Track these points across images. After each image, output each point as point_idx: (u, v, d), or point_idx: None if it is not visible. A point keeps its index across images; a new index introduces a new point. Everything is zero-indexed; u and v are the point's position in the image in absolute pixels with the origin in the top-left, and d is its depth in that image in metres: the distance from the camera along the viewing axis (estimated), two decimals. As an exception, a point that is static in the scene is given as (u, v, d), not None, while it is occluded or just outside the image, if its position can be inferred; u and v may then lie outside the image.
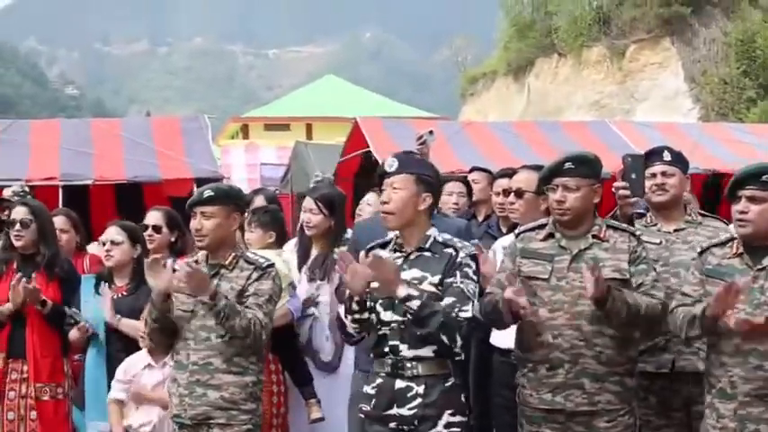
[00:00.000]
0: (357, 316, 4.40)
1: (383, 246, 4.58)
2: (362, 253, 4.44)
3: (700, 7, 27.00)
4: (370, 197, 6.43)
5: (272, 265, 4.80)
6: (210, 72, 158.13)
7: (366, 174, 12.00)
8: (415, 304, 4.23)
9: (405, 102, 44.07)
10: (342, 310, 4.48)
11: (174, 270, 4.68)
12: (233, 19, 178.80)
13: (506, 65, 33.46)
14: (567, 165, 4.46)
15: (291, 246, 5.77)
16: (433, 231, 4.50)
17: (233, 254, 4.79)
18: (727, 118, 23.24)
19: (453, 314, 4.26)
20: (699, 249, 4.48)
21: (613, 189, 4.74)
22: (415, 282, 4.33)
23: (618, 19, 28.53)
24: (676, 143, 5.18)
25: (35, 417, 5.60)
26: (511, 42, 33.03)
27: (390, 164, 4.46)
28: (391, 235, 4.60)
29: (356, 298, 4.36)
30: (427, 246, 4.46)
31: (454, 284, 4.36)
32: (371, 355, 4.54)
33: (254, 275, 4.73)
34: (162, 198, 10.67)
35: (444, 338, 4.27)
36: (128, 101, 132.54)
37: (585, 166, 4.50)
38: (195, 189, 11.58)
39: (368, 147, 12.09)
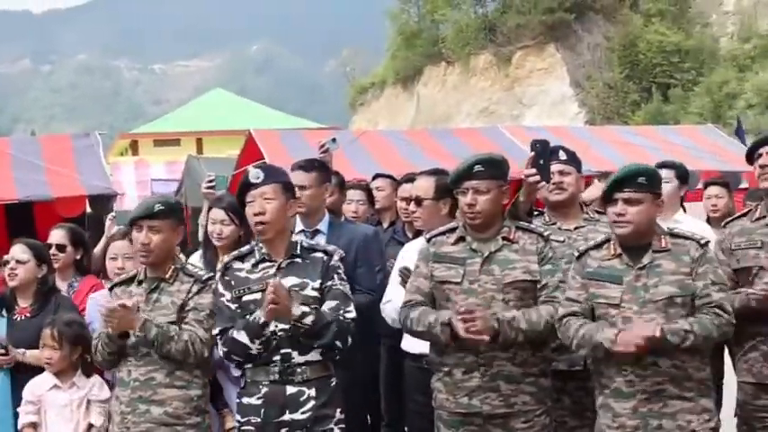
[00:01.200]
0: (264, 338, 4.43)
1: (241, 258, 4.64)
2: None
3: (582, 13, 27.59)
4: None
5: (211, 278, 4.76)
6: (96, 89, 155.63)
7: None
8: (309, 320, 4.35)
9: (295, 113, 43.98)
10: (243, 336, 4.46)
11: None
12: (117, 34, 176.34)
13: (395, 74, 33.75)
14: (477, 168, 4.52)
15: (196, 258, 5.76)
16: (297, 238, 4.63)
17: (173, 266, 4.75)
18: (613, 121, 23.80)
19: (341, 317, 4.40)
20: (575, 254, 4.54)
21: (523, 176, 4.79)
22: (296, 288, 4.43)
23: (503, 26, 29.01)
24: (568, 145, 5.29)
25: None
26: (399, 51, 33.33)
27: (256, 175, 4.54)
28: (246, 247, 4.67)
29: (263, 321, 4.39)
30: (297, 252, 4.55)
31: (334, 287, 4.51)
32: (248, 366, 4.55)
33: (194, 289, 4.70)
34: (54, 218, 10.47)
35: (338, 344, 4.42)
36: (11, 120, 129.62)
37: (494, 167, 4.57)
38: (88, 207, 11.50)
39: (263, 158, 12.06)
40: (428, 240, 4.73)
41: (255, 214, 4.49)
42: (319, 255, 4.57)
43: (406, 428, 5.91)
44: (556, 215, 5.13)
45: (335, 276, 4.53)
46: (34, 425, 5.11)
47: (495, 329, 4.32)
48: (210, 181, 6.25)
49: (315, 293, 4.46)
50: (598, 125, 22.03)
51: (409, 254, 5.17)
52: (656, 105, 24.06)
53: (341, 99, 50.27)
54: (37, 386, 5.15)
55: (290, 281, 4.42)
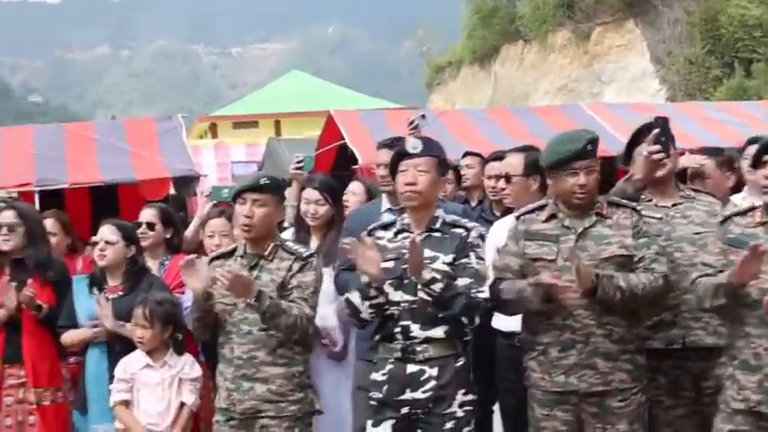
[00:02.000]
0: (374, 301, 4.44)
1: (384, 227, 4.63)
2: (365, 236, 4.48)
3: (662, -13, 27.11)
4: (355, 186, 6.45)
5: (312, 255, 4.80)
6: (174, 73, 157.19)
7: (342, 166, 12.02)
8: (438, 287, 4.32)
9: (371, 94, 43.99)
10: (355, 296, 4.51)
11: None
12: (194, 19, 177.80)
13: (471, 53, 33.50)
14: (589, 147, 4.47)
15: (288, 237, 5.78)
16: (440, 212, 4.57)
17: (272, 244, 4.77)
18: (695, 97, 23.35)
19: (472, 295, 4.34)
20: (720, 218, 4.44)
21: (646, 152, 4.73)
22: (427, 261, 4.38)
23: (581, 2, 28.59)
24: (651, 122, 5.19)
25: (34, 422, 5.55)
26: (475, 30, 33.06)
27: (414, 146, 4.52)
28: (388, 217, 4.66)
29: (374, 283, 4.40)
30: (437, 226, 4.52)
31: (469, 265, 4.44)
32: (376, 339, 4.57)
33: (296, 266, 4.72)
34: (138, 200, 10.61)
35: (465, 319, 4.39)
36: (92, 105, 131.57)
37: (596, 146, 4.54)
38: (172, 189, 11.64)
39: (343, 139, 12.09)
40: (518, 218, 4.69)
41: (407, 183, 4.49)
42: (459, 230, 4.53)
43: (494, 408, 5.89)
44: (653, 192, 5.00)
45: (472, 254, 4.48)
46: (126, 402, 5.18)
47: (594, 284, 4.27)
48: (299, 162, 6.26)
49: (445, 267, 4.41)
50: (679, 102, 21.65)
51: (497, 232, 5.14)
52: (739, 81, 23.55)
53: (417, 79, 50.10)
54: (129, 364, 5.22)
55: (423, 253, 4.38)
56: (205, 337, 4.88)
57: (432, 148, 4.57)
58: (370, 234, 4.63)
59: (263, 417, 4.64)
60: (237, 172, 18.57)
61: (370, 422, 4.56)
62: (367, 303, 4.46)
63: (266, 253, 4.75)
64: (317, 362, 5.38)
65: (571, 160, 4.47)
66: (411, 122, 6.49)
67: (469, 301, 4.35)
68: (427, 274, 4.31)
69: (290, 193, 6.36)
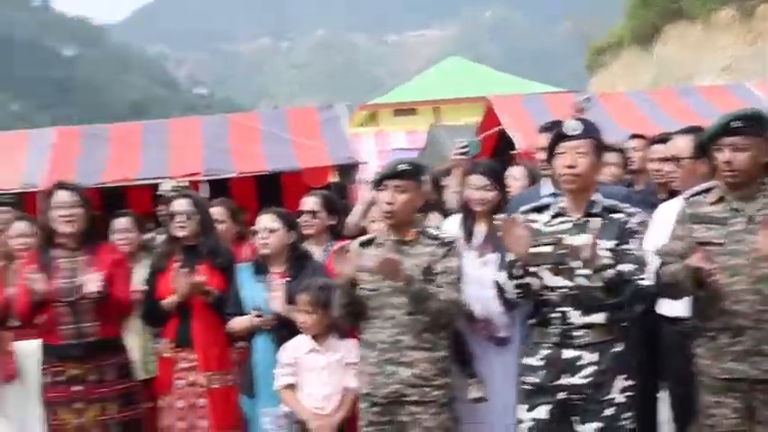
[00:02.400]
0: (520, 281, 4.40)
1: (538, 210, 4.58)
2: (519, 216, 4.45)
3: (834, -42, 26.03)
4: (516, 171, 6.41)
5: (455, 240, 4.81)
6: (333, 63, 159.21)
7: (502, 152, 11.96)
8: (610, 273, 4.24)
9: (530, 78, 43.57)
10: (501, 276, 4.49)
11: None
12: (351, 9, 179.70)
13: (632, 34, 32.84)
14: (735, 123, 4.32)
15: (454, 222, 5.79)
16: (597, 197, 4.48)
17: (414, 230, 4.80)
18: None
19: (637, 281, 4.25)
20: None
21: None
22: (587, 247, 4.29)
23: (746, -21, 27.70)
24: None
25: (204, 404, 5.71)
26: (636, 10, 32.39)
27: (574, 128, 4.45)
28: (546, 200, 4.61)
29: (520, 262, 4.36)
30: (594, 211, 4.44)
31: (632, 252, 4.34)
32: (531, 324, 4.54)
33: (440, 252, 4.74)
34: (301, 188, 10.82)
35: (633, 307, 4.33)
36: (255, 97, 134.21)
37: (754, 123, 4.35)
38: (334, 177, 11.80)
39: (501, 125, 12.04)
40: (686, 200, 4.58)
41: (566, 166, 4.44)
42: (618, 215, 4.45)
43: (658, 395, 5.78)
44: None
45: (633, 240, 4.40)
46: (292, 386, 5.29)
47: None
48: (463, 147, 6.24)
49: (606, 254, 4.31)
50: None
51: (662, 216, 5.03)
52: None
53: (576, 62, 49.39)
54: (294, 349, 5.32)
55: (581, 238, 4.33)
56: (354, 324, 4.93)
57: (590, 130, 4.48)
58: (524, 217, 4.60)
59: (408, 402, 4.66)
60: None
61: (524, 407, 4.52)
62: (512, 283, 4.43)
63: (408, 238, 4.77)
64: (483, 348, 5.38)
65: (717, 136, 4.35)
66: (577, 104, 6.40)
67: (638, 289, 4.26)
68: (600, 261, 4.23)
69: (453, 179, 6.37)
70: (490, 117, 13.01)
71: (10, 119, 68.71)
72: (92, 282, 5.39)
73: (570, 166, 4.42)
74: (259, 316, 5.47)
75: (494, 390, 5.25)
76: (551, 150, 4.54)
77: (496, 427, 5.29)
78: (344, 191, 11.64)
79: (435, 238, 4.80)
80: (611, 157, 6.67)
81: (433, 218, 6.03)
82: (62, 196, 5.58)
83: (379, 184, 4.80)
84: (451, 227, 5.80)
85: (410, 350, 4.66)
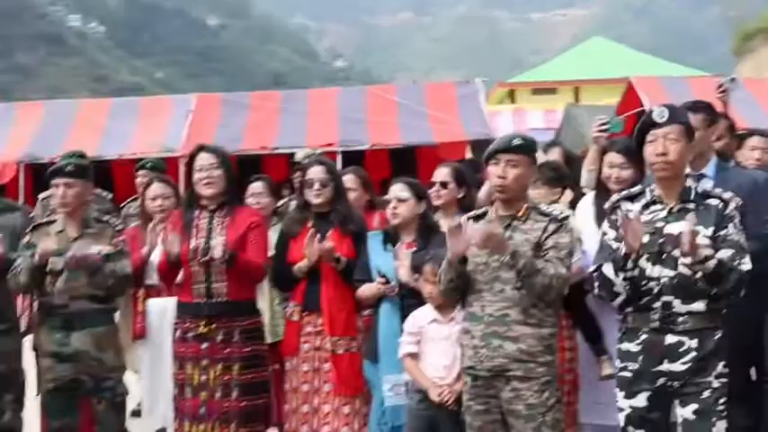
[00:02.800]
0: (629, 274, 4.35)
1: (630, 198, 4.54)
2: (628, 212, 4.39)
3: None
4: None
5: (567, 217, 4.76)
6: (474, 39, 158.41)
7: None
8: (712, 264, 4.15)
9: (673, 60, 42.63)
10: (609, 269, 4.41)
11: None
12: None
13: (785, 18, 31.87)
14: None
15: (587, 201, 5.74)
16: (690, 182, 4.42)
17: (525, 205, 4.78)
18: None
19: (739, 268, 4.18)
20: None
21: None
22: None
23: None
24: None
25: (329, 369, 5.78)
26: (789, -5, 31.40)
27: (661, 114, 4.38)
28: (638, 188, 4.54)
29: (633, 256, 4.30)
30: (691, 198, 4.37)
31: (729, 236, 4.27)
32: (628, 311, 4.47)
33: (551, 228, 4.69)
34: (435, 162, 10.87)
35: (734, 295, 4.24)
36: (394, 70, 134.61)
37: None
38: (469, 152, 11.80)
39: (642, 107, 11.83)
40: None
41: (657, 154, 4.38)
42: (714, 201, 4.37)
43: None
44: None
45: (731, 225, 4.32)
46: (414, 355, 5.32)
47: None
48: (603, 124, 6.15)
49: (706, 242, 4.23)
50: None
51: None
52: None
53: (723, 46, 48.20)
54: (418, 318, 5.35)
55: (679, 226, 4.25)
56: (457, 298, 4.92)
57: (679, 116, 4.41)
58: (615, 206, 4.54)
59: (511, 378, 4.63)
60: (535, 138, 18.57)
61: (621, 394, 4.46)
62: (621, 276, 4.36)
63: (519, 214, 4.73)
64: (607, 323, 5.34)
65: None
66: (720, 86, 6.24)
67: (741, 276, 4.19)
68: (703, 252, 4.14)
69: (589, 156, 6.29)
70: (630, 97, 12.84)
71: (154, 86, 70.40)
72: (218, 246, 5.53)
73: (661, 154, 4.35)
74: (385, 283, 5.51)
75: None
76: (641, 138, 4.47)
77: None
78: (478, 167, 11.62)
79: (546, 214, 4.76)
80: (756, 141, 6.51)
81: (567, 195, 5.97)
82: (203, 159, 5.73)
83: (491, 158, 4.77)
84: (585, 205, 5.75)
85: (517, 325, 4.64)
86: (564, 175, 6.06)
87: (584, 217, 5.71)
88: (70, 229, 5.82)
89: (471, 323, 4.78)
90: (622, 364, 4.48)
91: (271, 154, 14.15)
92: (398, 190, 5.66)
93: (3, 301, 6.07)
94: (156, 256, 6.14)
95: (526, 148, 4.76)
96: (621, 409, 4.47)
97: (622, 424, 4.49)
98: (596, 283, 4.53)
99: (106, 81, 77.67)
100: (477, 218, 4.87)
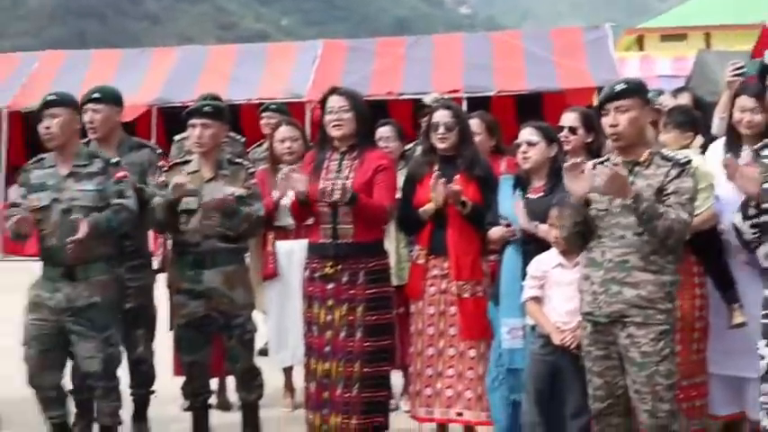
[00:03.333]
0: (756, 220, 4.27)
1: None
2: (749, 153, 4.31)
3: None
4: None
5: (689, 162, 4.68)
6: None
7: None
8: None
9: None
10: (737, 218, 4.36)
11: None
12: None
13: None
14: None
15: (718, 146, 5.63)
16: None
17: (647, 151, 4.71)
18: None
19: None
20: None
21: None
22: None
23: None
24: None
25: (454, 312, 5.81)
26: None
27: None
28: None
29: (753, 201, 4.23)
30: None
31: None
32: None
33: (673, 172, 4.61)
34: (562, 109, 10.78)
35: None
36: (519, 17, 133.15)
37: None
38: (595, 99, 11.66)
39: (777, 52, 11.50)
40: None
41: None
42: None
43: None
44: None
45: None
46: (537, 299, 5.32)
47: None
48: (739, 67, 6.00)
49: None
50: None
51: None
52: None
53: None
54: (542, 263, 5.33)
55: None
56: (581, 244, 4.88)
57: None
58: (757, 153, 4.44)
59: (628, 324, 4.60)
60: (664, 86, 18.21)
61: (763, 342, 4.41)
62: (747, 223, 4.28)
63: (641, 159, 4.66)
64: (739, 273, 5.26)
65: None
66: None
67: None
68: None
69: (722, 102, 6.17)
70: (764, 43, 12.47)
71: (279, 34, 71.02)
72: (338, 188, 5.59)
73: None
74: (508, 227, 5.52)
75: (753, 315, 5.09)
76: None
77: (745, 357, 5.17)
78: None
79: (669, 159, 4.68)
80: None
81: (698, 140, 5.88)
82: (334, 101, 5.77)
83: (601, 109, 4.73)
84: (716, 150, 5.65)
85: (637, 271, 4.60)
86: (694, 119, 5.95)
87: (715, 162, 5.61)
88: (204, 170, 5.96)
89: (591, 269, 4.77)
90: (765, 311, 4.43)
91: (396, 99, 14.23)
92: (528, 134, 5.62)
93: (136, 238, 6.26)
94: (286, 199, 6.26)
95: (632, 90, 4.69)
96: (762, 357, 4.43)
97: (763, 371, 4.44)
98: (733, 233, 4.51)
99: (232, 28, 78.68)
100: (601, 164, 4.83)
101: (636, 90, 4.71)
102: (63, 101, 5.67)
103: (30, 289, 5.68)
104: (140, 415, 6.45)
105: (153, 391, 6.51)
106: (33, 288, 5.66)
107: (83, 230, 5.35)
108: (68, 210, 5.54)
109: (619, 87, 4.69)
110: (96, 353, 5.57)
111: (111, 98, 6.08)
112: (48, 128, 5.59)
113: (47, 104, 5.61)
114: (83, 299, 5.54)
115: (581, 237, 4.83)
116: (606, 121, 4.70)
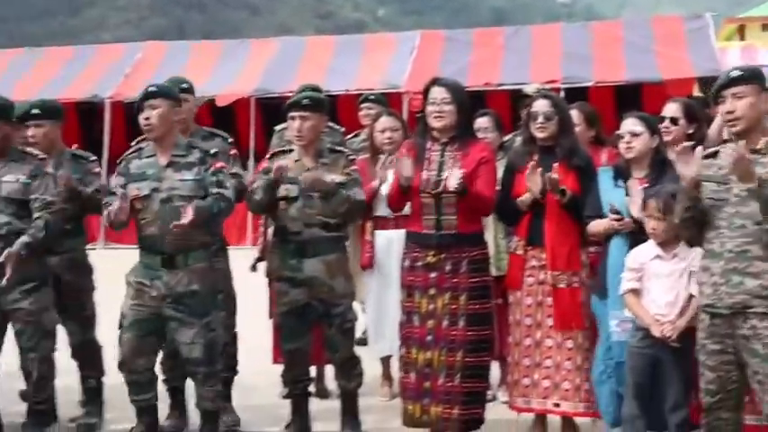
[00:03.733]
0: None
1: None
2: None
3: None
4: None
5: None
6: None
7: None
8: None
9: None
10: None
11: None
12: None
13: None
14: None
15: None
16: None
17: (764, 139, 4.61)
18: None
19: None
20: None
21: None
22: None
23: None
24: None
25: (551, 303, 5.80)
26: None
27: None
28: None
29: None
30: None
31: None
32: None
33: None
34: (662, 99, 10.66)
35: None
36: (618, 6, 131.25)
37: None
38: (696, 89, 11.51)
39: None
40: None
41: None
42: None
43: None
44: None
45: None
46: (635, 291, 5.29)
47: None
48: None
49: None
50: None
51: None
52: None
53: None
54: (640, 254, 5.30)
55: None
56: (693, 233, 4.84)
57: None
58: None
59: (751, 315, 4.54)
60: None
61: None
62: None
63: (758, 147, 4.57)
64: None
65: None
66: None
67: None
68: None
69: None
70: None
71: (376, 24, 71.23)
72: (453, 178, 5.60)
73: None
74: (618, 220, 5.48)
75: None
76: None
77: None
78: (707, 105, 11.35)
79: None
80: None
81: None
82: (436, 92, 5.79)
83: (717, 98, 4.66)
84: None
85: (758, 261, 4.53)
86: None
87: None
88: (305, 159, 6.03)
89: (710, 260, 4.72)
90: None
91: (494, 90, 14.19)
92: (632, 124, 5.57)
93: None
94: (385, 188, 6.30)
95: (748, 76, 4.62)
96: None
97: None
98: None
99: (330, 17, 79.09)
100: (713, 155, 4.78)
101: (753, 76, 4.65)
102: (163, 92, 5.79)
103: (128, 275, 5.82)
104: (225, 397, 6.51)
105: (237, 372, 6.63)
106: (132, 275, 5.79)
107: (188, 216, 5.47)
108: (168, 199, 5.67)
109: (735, 74, 4.63)
110: (197, 339, 5.69)
111: (166, 94, 5.97)
112: (147, 119, 5.71)
113: (147, 96, 5.73)
114: (182, 286, 5.66)
115: (694, 223, 4.78)
116: (723, 109, 4.65)
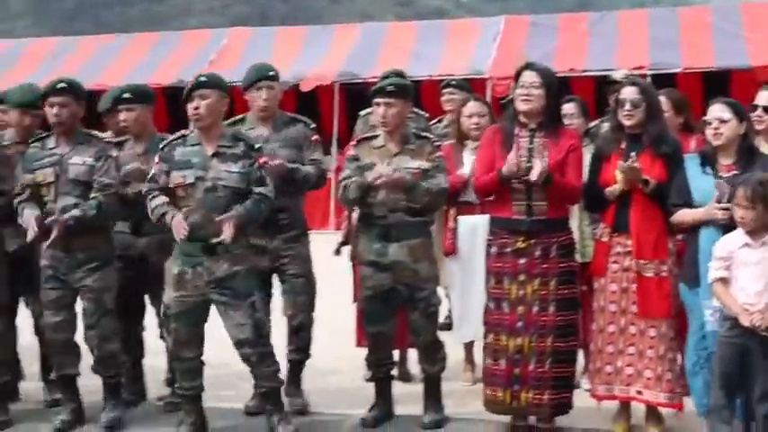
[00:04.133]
0: None
1: None
2: None
3: None
4: None
5: None
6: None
7: None
8: None
9: None
10: None
11: None
12: None
13: None
14: None
15: None
16: None
17: None
18: None
19: None
20: None
21: None
22: None
23: None
24: None
25: (635, 289, 5.75)
26: None
27: None
28: None
29: None
30: None
31: None
32: None
33: None
34: (752, 86, 10.49)
35: None
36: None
37: None
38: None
39: None
40: None
41: None
42: None
43: None
44: None
45: None
46: (724, 280, 5.21)
47: None
48: None
49: None
50: None
51: None
52: None
53: None
54: (729, 243, 5.22)
55: None
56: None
57: None
58: None
59: None
60: None
61: None
62: None
63: None
64: None
65: None
66: None
67: None
68: None
69: None
70: None
71: (459, 10, 70.88)
72: (537, 169, 5.59)
73: None
74: (726, 209, 5.36)
75: None
76: None
77: None
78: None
79: None
80: None
81: None
82: (526, 76, 5.79)
83: None
84: None
85: None
86: None
87: None
88: (391, 145, 6.07)
89: None
90: None
91: (579, 76, 14.07)
92: (719, 110, 5.50)
93: (291, 210, 6.47)
94: (466, 171, 6.30)
95: None
96: None
97: None
98: None
99: (410, 4, 78.85)
100: None
101: None
102: (213, 83, 5.86)
103: (168, 265, 5.90)
104: (295, 379, 6.61)
105: (309, 355, 6.66)
106: (172, 264, 5.86)
107: (228, 234, 5.56)
108: (213, 188, 5.74)
109: None
110: (245, 320, 5.75)
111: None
112: (197, 108, 5.78)
113: (197, 85, 5.80)
114: (222, 270, 5.73)
115: None
116: None
